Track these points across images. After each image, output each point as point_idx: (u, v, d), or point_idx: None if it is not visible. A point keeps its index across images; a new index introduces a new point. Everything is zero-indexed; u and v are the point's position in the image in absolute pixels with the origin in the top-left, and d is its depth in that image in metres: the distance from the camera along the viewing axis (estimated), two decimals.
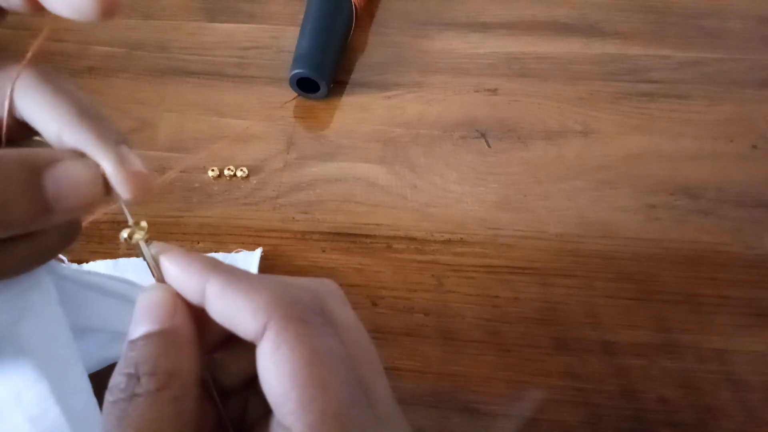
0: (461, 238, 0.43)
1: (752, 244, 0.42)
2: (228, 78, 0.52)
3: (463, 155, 0.47)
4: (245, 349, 0.18)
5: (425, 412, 0.37)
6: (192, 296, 0.17)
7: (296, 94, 0.50)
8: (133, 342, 0.17)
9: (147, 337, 0.17)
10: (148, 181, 0.17)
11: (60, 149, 0.17)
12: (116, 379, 0.16)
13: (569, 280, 0.41)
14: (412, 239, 0.43)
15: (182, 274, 0.17)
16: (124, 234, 0.18)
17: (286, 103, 0.49)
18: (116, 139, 0.18)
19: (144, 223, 0.18)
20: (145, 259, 0.18)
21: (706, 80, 0.50)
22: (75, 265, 0.41)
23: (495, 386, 0.37)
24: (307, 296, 0.18)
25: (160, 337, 0.17)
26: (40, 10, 0.17)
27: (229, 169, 0.46)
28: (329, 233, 0.44)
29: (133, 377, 0.16)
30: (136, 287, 0.28)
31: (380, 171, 0.46)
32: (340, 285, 0.42)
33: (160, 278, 0.18)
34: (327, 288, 0.19)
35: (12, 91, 0.18)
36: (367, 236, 0.43)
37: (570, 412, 0.36)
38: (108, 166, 0.17)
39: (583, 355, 0.38)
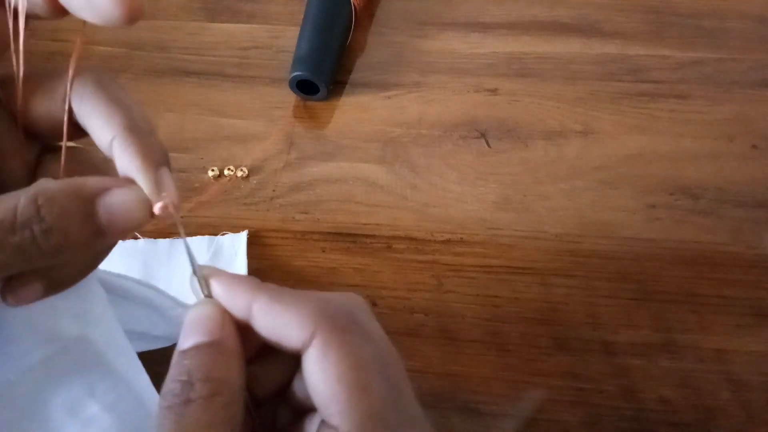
0: (461, 238, 0.43)
1: (752, 244, 0.42)
2: (228, 78, 0.52)
3: (463, 155, 0.47)
4: (277, 362, 0.20)
5: (425, 412, 0.37)
6: (238, 313, 0.19)
7: (296, 96, 0.50)
8: (183, 352, 0.18)
9: (198, 347, 0.18)
10: (177, 207, 0.19)
11: (108, 178, 0.18)
12: (171, 386, 0.17)
13: (569, 280, 0.41)
14: (412, 239, 0.43)
15: (230, 293, 0.19)
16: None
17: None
18: (159, 159, 0.19)
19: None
20: (197, 278, 0.19)
21: (706, 80, 0.50)
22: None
23: (495, 386, 0.37)
24: (343, 308, 0.19)
25: (211, 348, 0.18)
26: (64, 14, 0.18)
27: (229, 169, 0.46)
28: (329, 233, 0.44)
29: (188, 384, 0.17)
30: (160, 293, 0.29)
31: (380, 171, 0.46)
32: (340, 285, 0.42)
33: (208, 296, 0.20)
34: (354, 301, 0.20)
35: (69, 96, 0.19)
36: (367, 236, 0.43)
37: (570, 412, 0.36)
38: (145, 189, 0.18)
39: (583, 355, 0.38)
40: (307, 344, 0.18)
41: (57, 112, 0.19)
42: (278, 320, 0.19)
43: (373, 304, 0.41)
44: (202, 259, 0.41)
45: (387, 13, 0.56)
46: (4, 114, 0.19)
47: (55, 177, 0.18)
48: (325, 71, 0.49)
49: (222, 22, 0.56)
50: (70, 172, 0.20)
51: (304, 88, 0.49)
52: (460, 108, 0.50)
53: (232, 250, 0.42)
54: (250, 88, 0.51)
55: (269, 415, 0.21)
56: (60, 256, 0.17)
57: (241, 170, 0.46)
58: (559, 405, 0.37)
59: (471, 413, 0.37)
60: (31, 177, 0.20)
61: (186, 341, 0.18)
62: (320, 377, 0.18)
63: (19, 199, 0.16)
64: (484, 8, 0.56)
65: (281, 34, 0.55)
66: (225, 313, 0.19)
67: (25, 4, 0.17)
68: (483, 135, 0.48)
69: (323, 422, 0.18)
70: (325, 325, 0.18)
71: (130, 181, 0.18)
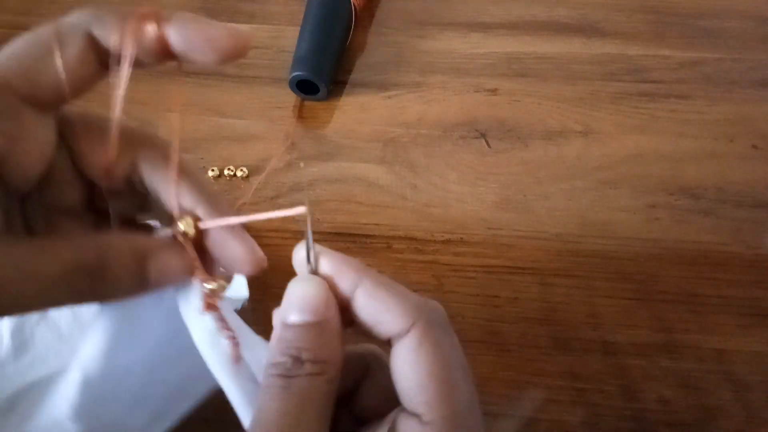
0: (461, 238, 0.43)
1: (752, 244, 0.42)
2: (228, 78, 0.52)
3: (463, 155, 0.47)
4: (346, 368, 0.21)
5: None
6: (343, 292, 0.20)
7: (296, 96, 0.50)
8: (290, 326, 0.19)
9: (306, 326, 0.19)
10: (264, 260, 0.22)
11: (160, 239, 0.21)
12: (281, 359, 0.19)
13: (569, 280, 0.41)
14: (412, 239, 0.43)
15: (339, 272, 0.20)
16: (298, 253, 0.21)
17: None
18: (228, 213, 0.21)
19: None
20: (309, 254, 0.21)
21: (706, 80, 0.50)
22: None
23: (495, 386, 0.37)
24: (438, 311, 0.21)
25: (318, 328, 0.19)
26: (168, 59, 0.20)
27: (229, 169, 0.46)
28: (329, 233, 0.44)
29: (298, 360, 0.19)
30: None
31: (380, 171, 0.46)
32: None
33: (314, 272, 0.21)
34: (435, 308, 0.21)
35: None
36: (367, 236, 0.43)
37: (570, 412, 0.36)
38: (239, 252, 0.22)
39: (583, 355, 0.38)
40: (403, 333, 0.19)
41: (121, 166, 0.21)
42: (381, 305, 0.20)
43: None
44: None
45: (387, 13, 0.56)
46: (65, 154, 0.21)
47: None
48: (325, 71, 0.49)
49: (222, 22, 0.56)
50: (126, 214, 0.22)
51: (304, 88, 0.49)
52: (460, 108, 0.50)
53: None
54: (250, 88, 0.51)
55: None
56: (105, 300, 0.19)
57: (241, 170, 0.46)
58: (559, 405, 0.37)
59: None
60: (83, 211, 0.22)
61: (293, 315, 0.19)
62: (412, 365, 0.19)
63: (88, 247, 0.18)
64: (484, 8, 0.56)
65: (281, 34, 0.55)
66: (330, 294, 0.20)
67: (134, 52, 0.19)
68: (483, 135, 0.48)
69: (403, 411, 0.19)
70: (424, 320, 0.19)
71: (178, 245, 0.20)
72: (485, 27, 0.55)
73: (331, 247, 0.44)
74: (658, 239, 0.42)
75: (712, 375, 0.37)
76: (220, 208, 0.22)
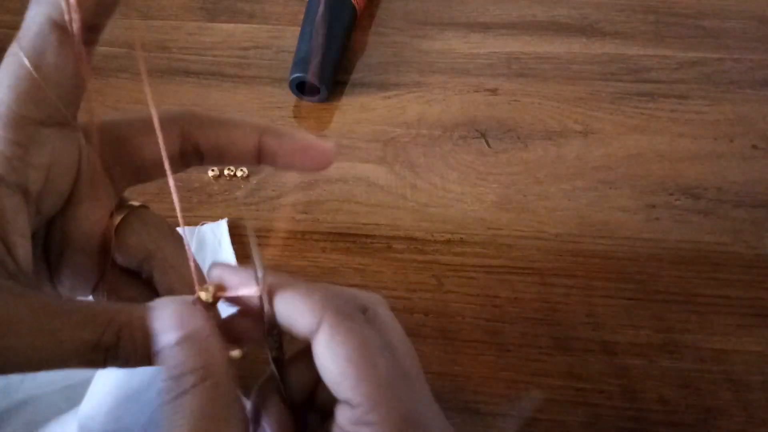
0: (461, 238, 0.43)
1: (752, 244, 0.42)
2: (228, 78, 0.52)
3: (463, 155, 0.47)
4: (307, 367, 0.21)
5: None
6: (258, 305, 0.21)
7: (296, 98, 0.50)
8: (163, 351, 0.19)
9: (172, 345, 0.19)
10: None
11: (173, 322, 0.20)
12: (164, 385, 0.19)
13: (569, 280, 0.41)
14: (412, 239, 0.43)
15: (242, 284, 0.21)
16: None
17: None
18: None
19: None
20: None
21: (706, 80, 0.50)
22: None
23: (495, 386, 0.37)
24: (350, 300, 0.21)
25: (186, 341, 0.19)
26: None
27: (229, 169, 0.46)
28: (329, 233, 0.44)
29: (176, 378, 0.19)
30: None
31: (380, 171, 0.46)
32: (340, 285, 0.42)
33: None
34: (375, 298, 0.23)
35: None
36: (367, 236, 0.43)
37: (570, 412, 0.36)
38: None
39: (583, 355, 0.38)
40: (315, 330, 0.20)
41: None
42: (290, 307, 0.20)
43: None
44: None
45: (387, 13, 0.56)
46: (86, 174, 0.22)
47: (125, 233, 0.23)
48: (325, 72, 0.49)
49: (222, 22, 0.56)
50: (135, 232, 0.23)
51: (305, 89, 0.49)
52: (460, 108, 0.50)
53: (215, 240, 0.43)
54: (250, 88, 0.51)
55: (302, 418, 0.23)
56: (111, 367, 0.20)
57: (241, 170, 0.46)
58: (559, 405, 0.37)
59: (471, 413, 0.36)
60: (105, 224, 0.23)
61: (162, 340, 0.19)
62: (329, 358, 0.19)
63: (103, 327, 0.19)
64: (484, 8, 0.56)
65: (281, 34, 0.55)
66: (187, 305, 0.20)
67: (78, 22, 0.18)
68: (483, 135, 0.48)
69: (339, 402, 0.20)
70: (332, 312, 0.20)
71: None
72: (485, 27, 0.55)
73: (331, 247, 0.44)
74: (658, 239, 0.42)
75: (712, 375, 0.37)
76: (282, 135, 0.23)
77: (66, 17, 0.18)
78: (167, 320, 0.20)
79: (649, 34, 0.53)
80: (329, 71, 0.50)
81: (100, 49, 0.56)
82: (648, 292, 0.40)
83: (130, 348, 0.19)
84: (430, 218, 0.44)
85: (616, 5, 0.55)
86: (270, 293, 0.20)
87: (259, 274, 0.20)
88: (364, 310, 0.22)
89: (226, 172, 0.46)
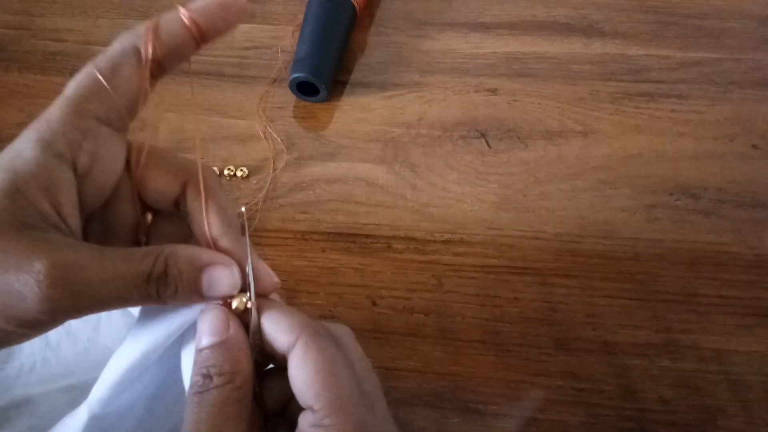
0: (461, 238, 0.43)
1: (752, 244, 0.42)
2: (228, 78, 0.52)
3: (463, 155, 0.47)
4: (283, 381, 0.23)
5: (425, 412, 0.37)
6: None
7: (296, 98, 0.50)
8: (200, 350, 0.23)
9: (212, 346, 0.23)
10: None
11: (216, 254, 0.24)
12: (195, 379, 0.22)
13: (569, 280, 0.41)
14: (412, 239, 0.43)
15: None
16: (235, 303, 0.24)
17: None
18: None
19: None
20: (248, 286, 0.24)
21: (706, 80, 0.50)
22: None
23: (495, 386, 0.37)
24: (325, 328, 0.24)
25: (221, 346, 0.23)
26: (204, 42, 0.25)
27: (229, 169, 0.46)
28: (329, 233, 0.44)
29: (207, 377, 0.22)
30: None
31: (380, 171, 0.46)
32: (340, 285, 0.42)
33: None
34: (342, 330, 0.25)
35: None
36: (367, 236, 0.43)
37: (570, 412, 0.36)
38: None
39: (583, 355, 0.38)
40: (291, 346, 0.22)
41: (168, 192, 0.25)
42: (274, 324, 0.23)
43: (373, 304, 0.41)
44: None
45: (387, 13, 0.56)
46: (128, 178, 0.24)
47: (161, 235, 0.25)
48: (325, 73, 0.49)
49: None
50: (171, 234, 0.26)
51: (305, 89, 0.49)
52: (460, 108, 0.50)
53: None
54: (250, 88, 0.51)
55: (273, 429, 0.25)
56: (165, 303, 0.23)
57: (241, 170, 0.46)
58: (559, 405, 0.37)
59: (471, 413, 0.37)
60: (137, 227, 0.26)
61: (201, 341, 0.23)
62: (301, 369, 0.22)
63: (154, 258, 0.22)
64: (484, 8, 0.56)
65: (281, 34, 0.55)
66: (229, 316, 0.23)
67: (150, 52, 0.23)
68: (483, 135, 0.48)
69: (303, 410, 0.22)
70: (308, 332, 0.23)
71: (228, 260, 0.24)
72: (485, 27, 0.55)
73: (331, 247, 0.44)
74: (658, 239, 0.42)
75: (712, 375, 0.37)
76: (239, 241, 0.25)
77: (143, 49, 0.23)
78: (207, 325, 0.23)
79: (649, 34, 0.53)
80: (329, 71, 0.50)
81: (101, 49, 0.56)
82: (648, 292, 0.40)
83: (177, 276, 0.22)
84: (430, 218, 0.44)
85: (616, 5, 0.55)
86: (258, 309, 0.23)
87: (251, 289, 0.24)
88: (332, 335, 0.25)
89: (226, 172, 0.46)
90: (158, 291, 0.22)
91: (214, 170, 0.26)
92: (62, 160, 0.21)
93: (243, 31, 0.55)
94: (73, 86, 0.23)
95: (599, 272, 0.41)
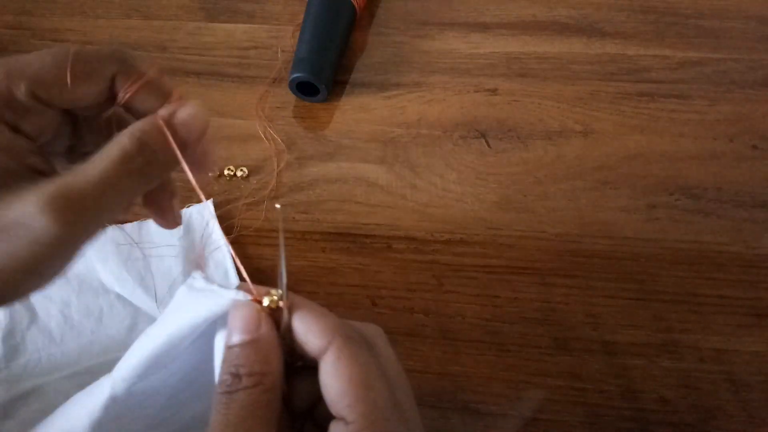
0: (461, 238, 0.43)
1: (752, 244, 0.42)
2: (228, 78, 0.52)
3: (463, 155, 0.47)
4: (310, 380, 0.23)
5: (425, 412, 0.37)
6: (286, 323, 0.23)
7: (296, 98, 0.50)
8: (230, 347, 0.22)
9: (242, 344, 0.22)
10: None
11: (173, 104, 0.25)
12: (223, 378, 0.21)
13: (569, 280, 0.41)
14: (412, 239, 0.43)
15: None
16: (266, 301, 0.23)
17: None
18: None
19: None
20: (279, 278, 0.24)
21: (706, 80, 0.50)
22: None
23: (495, 386, 0.37)
24: (358, 330, 0.24)
25: (252, 345, 0.22)
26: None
27: (229, 169, 0.46)
28: (329, 233, 0.44)
29: (236, 376, 0.21)
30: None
31: (380, 171, 0.46)
32: (340, 285, 0.42)
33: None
34: (374, 330, 0.25)
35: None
36: (367, 236, 0.43)
37: (570, 412, 0.36)
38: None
39: (583, 355, 0.38)
40: (323, 350, 0.22)
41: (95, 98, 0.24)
42: (305, 327, 0.22)
43: (373, 304, 0.41)
44: (176, 232, 0.42)
45: (387, 13, 0.56)
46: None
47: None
48: (325, 73, 0.49)
49: (222, 22, 0.56)
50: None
51: (305, 89, 0.49)
52: (460, 108, 0.50)
53: (202, 221, 0.43)
54: (250, 88, 0.51)
55: (299, 428, 0.24)
56: (160, 174, 0.23)
57: (241, 170, 0.46)
58: (559, 405, 0.37)
59: (471, 413, 0.37)
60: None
61: (231, 338, 0.22)
62: (333, 376, 0.21)
63: (131, 135, 0.22)
64: (484, 8, 0.56)
65: (281, 34, 0.55)
66: (261, 313, 0.23)
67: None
68: (483, 135, 0.48)
69: (335, 419, 0.22)
70: (341, 336, 0.22)
71: (187, 106, 0.25)
72: (485, 27, 0.55)
73: (331, 247, 0.44)
74: (658, 239, 0.42)
75: (712, 375, 0.37)
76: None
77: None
78: (238, 321, 0.22)
79: (649, 34, 0.53)
80: (329, 71, 0.50)
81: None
82: (648, 292, 0.40)
83: (156, 144, 0.23)
84: (430, 218, 0.44)
85: (616, 5, 0.55)
86: (290, 308, 0.23)
87: (284, 286, 0.23)
88: (366, 339, 0.24)
89: (226, 172, 0.46)
90: (148, 163, 0.22)
91: (128, 50, 0.26)
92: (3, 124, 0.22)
93: (243, 31, 0.55)
94: (38, 60, 0.23)
95: (599, 272, 0.41)
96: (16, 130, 0.23)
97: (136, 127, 0.23)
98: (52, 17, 0.57)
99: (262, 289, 0.23)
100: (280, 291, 0.23)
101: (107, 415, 0.25)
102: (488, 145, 0.48)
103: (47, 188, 0.20)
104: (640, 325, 0.39)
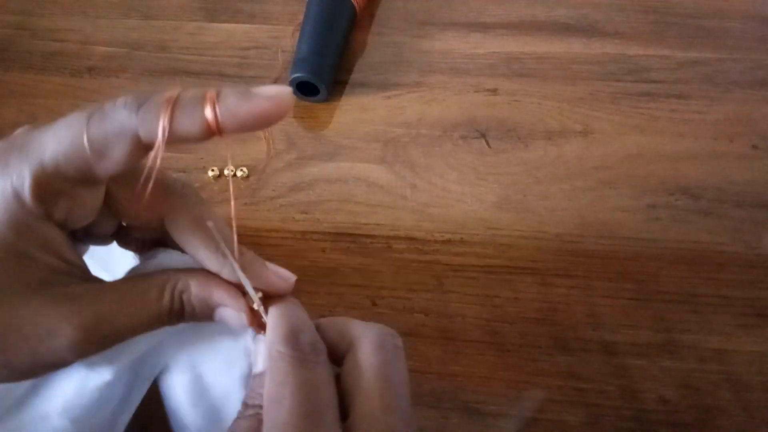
0: (461, 238, 0.43)
1: (752, 244, 0.42)
2: (228, 78, 0.52)
3: (463, 155, 0.47)
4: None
5: (425, 412, 0.37)
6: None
7: (296, 98, 0.50)
8: (252, 376, 0.24)
9: (255, 376, 0.23)
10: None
11: (225, 291, 0.24)
12: (242, 404, 0.23)
13: (569, 280, 0.41)
14: (412, 239, 0.43)
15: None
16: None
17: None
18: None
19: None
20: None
21: (706, 80, 0.50)
22: None
23: (495, 386, 0.37)
24: (312, 337, 0.24)
25: (260, 377, 0.23)
26: (216, 135, 0.21)
27: (229, 169, 0.46)
28: (329, 233, 0.44)
29: (245, 405, 0.22)
30: None
31: (380, 171, 0.46)
32: (340, 285, 0.42)
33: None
34: (387, 330, 0.26)
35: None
36: (367, 236, 0.43)
37: (570, 412, 0.36)
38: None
39: (583, 355, 0.38)
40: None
41: (150, 219, 0.24)
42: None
43: (373, 304, 0.41)
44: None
45: (387, 13, 0.56)
46: (107, 203, 0.24)
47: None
48: (325, 73, 0.49)
49: (222, 22, 0.56)
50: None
51: (305, 89, 0.49)
52: (460, 108, 0.50)
53: None
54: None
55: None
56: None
57: (241, 170, 0.46)
58: (559, 405, 0.37)
59: (471, 413, 0.37)
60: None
61: (257, 365, 0.24)
62: (355, 377, 0.22)
63: (170, 296, 0.23)
64: (484, 8, 0.56)
65: (281, 34, 0.55)
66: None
67: (163, 149, 0.20)
68: (483, 135, 0.48)
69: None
70: (275, 352, 0.22)
71: (236, 300, 0.24)
72: (485, 27, 0.55)
73: (331, 247, 0.44)
74: (658, 239, 0.42)
75: (712, 375, 0.37)
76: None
77: (152, 136, 0.20)
78: (261, 354, 0.24)
79: (649, 34, 0.53)
80: (329, 71, 0.50)
81: (100, 48, 0.56)
82: (648, 292, 0.40)
83: (191, 313, 0.23)
84: (430, 218, 0.44)
85: (616, 5, 0.55)
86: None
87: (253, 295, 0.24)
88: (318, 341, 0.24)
89: (226, 172, 0.46)
90: (176, 321, 0.24)
91: (194, 189, 0.25)
92: (39, 218, 0.21)
93: (243, 31, 0.55)
94: (55, 144, 0.20)
95: (599, 272, 0.41)
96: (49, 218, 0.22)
97: (186, 289, 0.23)
98: (52, 17, 0.57)
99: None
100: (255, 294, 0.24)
101: (78, 396, 0.25)
102: (488, 145, 0.48)
103: (83, 321, 0.21)
104: (640, 325, 0.39)
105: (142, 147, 0.20)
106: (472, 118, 0.49)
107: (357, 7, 0.53)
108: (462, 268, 0.42)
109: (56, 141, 0.20)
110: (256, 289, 0.24)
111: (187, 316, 0.24)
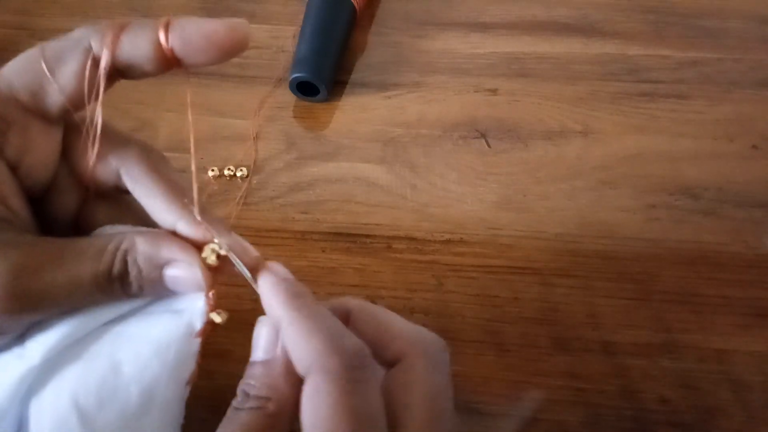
0: (461, 238, 0.43)
1: (752, 244, 0.42)
2: (228, 78, 0.52)
3: (463, 155, 0.47)
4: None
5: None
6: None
7: (296, 98, 0.50)
8: (250, 363, 0.22)
9: (257, 363, 0.22)
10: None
11: (176, 246, 0.22)
12: (238, 391, 0.22)
13: (569, 280, 0.41)
14: (412, 239, 0.43)
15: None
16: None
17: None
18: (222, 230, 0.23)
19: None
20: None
21: (706, 80, 0.50)
22: None
23: (495, 386, 0.37)
24: (358, 344, 0.21)
25: (263, 365, 0.22)
26: (171, 67, 0.21)
27: (229, 169, 0.46)
28: (329, 233, 0.44)
29: (246, 395, 0.21)
30: None
31: (380, 171, 0.46)
32: (340, 285, 0.42)
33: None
34: (436, 339, 0.25)
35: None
36: (367, 236, 0.43)
37: (570, 412, 0.36)
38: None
39: (583, 355, 0.38)
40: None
41: (106, 174, 0.23)
42: (289, 343, 0.21)
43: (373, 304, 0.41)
44: None
45: (387, 13, 0.56)
46: (65, 160, 0.23)
47: (100, 217, 0.23)
48: (325, 73, 0.49)
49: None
50: (115, 217, 0.24)
51: (305, 89, 0.49)
52: (460, 108, 0.50)
53: None
54: (250, 88, 0.51)
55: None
56: (128, 299, 0.22)
57: (241, 170, 0.46)
58: (559, 405, 0.37)
59: (471, 413, 0.36)
60: (77, 211, 0.24)
61: (252, 354, 0.22)
62: (404, 387, 0.22)
63: (112, 256, 0.21)
64: (484, 8, 0.56)
65: (281, 34, 0.55)
66: (273, 331, 0.22)
67: (108, 61, 0.21)
68: (483, 135, 0.48)
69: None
70: (318, 367, 0.20)
71: (189, 253, 0.22)
72: (485, 27, 0.55)
73: (331, 247, 0.44)
74: (658, 239, 0.42)
75: (712, 375, 0.37)
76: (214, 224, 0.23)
77: (98, 52, 0.21)
78: (263, 339, 0.22)
79: (649, 34, 0.53)
80: (329, 71, 0.50)
81: None
82: (648, 292, 0.40)
83: (138, 275, 0.21)
84: (430, 218, 0.44)
85: (616, 5, 0.55)
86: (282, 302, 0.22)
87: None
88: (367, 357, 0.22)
89: (226, 172, 0.46)
90: (122, 289, 0.21)
91: (149, 145, 0.24)
92: None
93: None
94: (10, 69, 0.21)
95: (599, 272, 0.41)
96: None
97: (131, 249, 0.21)
98: (52, 17, 0.57)
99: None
100: (216, 243, 0.22)
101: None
102: (488, 145, 0.48)
103: (11, 267, 0.19)
104: (640, 325, 0.39)
105: (95, 61, 0.21)
106: (472, 118, 0.49)
107: (357, 7, 0.53)
108: (462, 268, 0.42)
109: (12, 63, 0.21)
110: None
111: (132, 280, 0.21)
